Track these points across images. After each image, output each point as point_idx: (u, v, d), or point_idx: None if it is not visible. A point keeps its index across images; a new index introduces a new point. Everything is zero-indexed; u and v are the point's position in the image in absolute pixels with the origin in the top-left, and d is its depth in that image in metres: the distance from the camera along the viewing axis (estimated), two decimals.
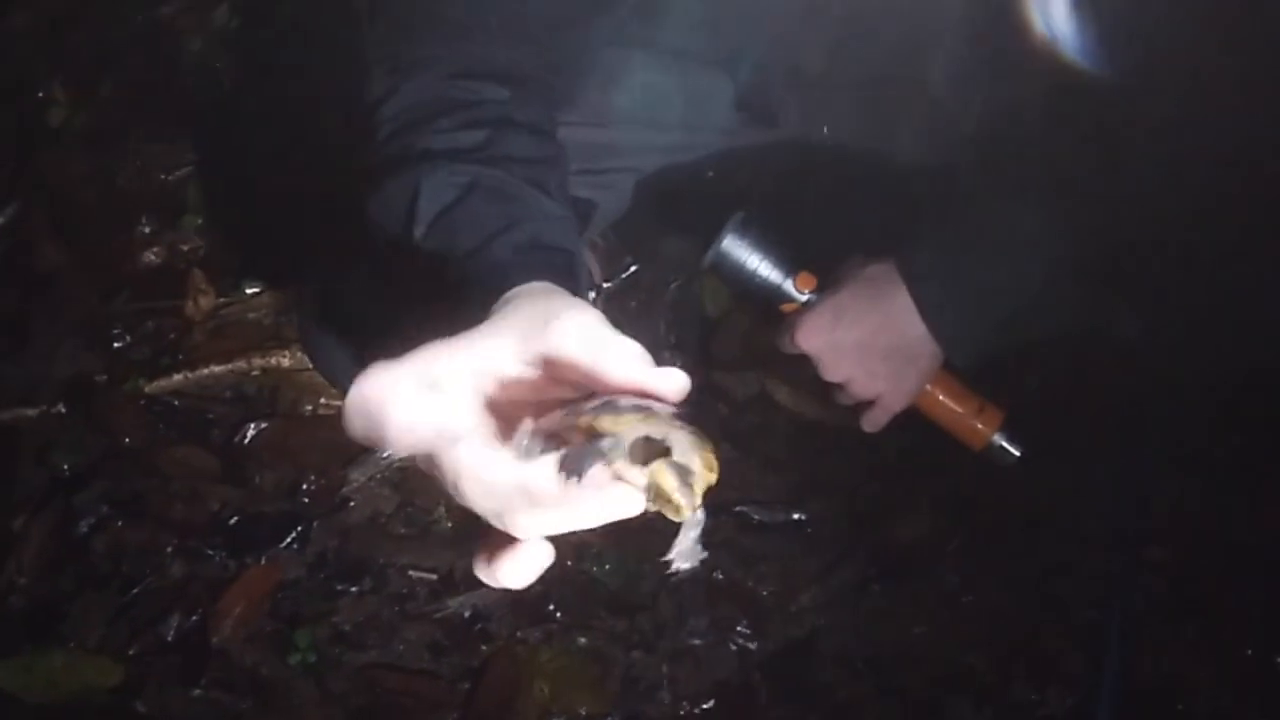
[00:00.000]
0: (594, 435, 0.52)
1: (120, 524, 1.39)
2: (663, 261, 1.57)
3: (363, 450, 1.05)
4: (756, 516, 1.42)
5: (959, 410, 1.24)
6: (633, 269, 1.55)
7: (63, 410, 1.48)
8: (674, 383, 0.55)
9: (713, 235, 1.23)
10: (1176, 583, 1.36)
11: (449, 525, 1.42)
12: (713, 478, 0.53)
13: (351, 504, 1.43)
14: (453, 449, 0.53)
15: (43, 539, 1.38)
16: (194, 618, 1.33)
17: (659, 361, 0.55)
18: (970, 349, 1.16)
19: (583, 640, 1.34)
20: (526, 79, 0.88)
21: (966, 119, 1.10)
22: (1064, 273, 1.09)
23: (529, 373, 0.56)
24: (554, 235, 0.74)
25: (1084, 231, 1.06)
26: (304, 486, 1.43)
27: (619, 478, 0.53)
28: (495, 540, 0.57)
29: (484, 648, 1.33)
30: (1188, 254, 1.04)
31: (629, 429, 0.52)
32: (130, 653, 1.31)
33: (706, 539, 0.55)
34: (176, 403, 1.50)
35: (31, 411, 1.48)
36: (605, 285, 1.46)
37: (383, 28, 0.91)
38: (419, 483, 1.42)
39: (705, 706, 1.30)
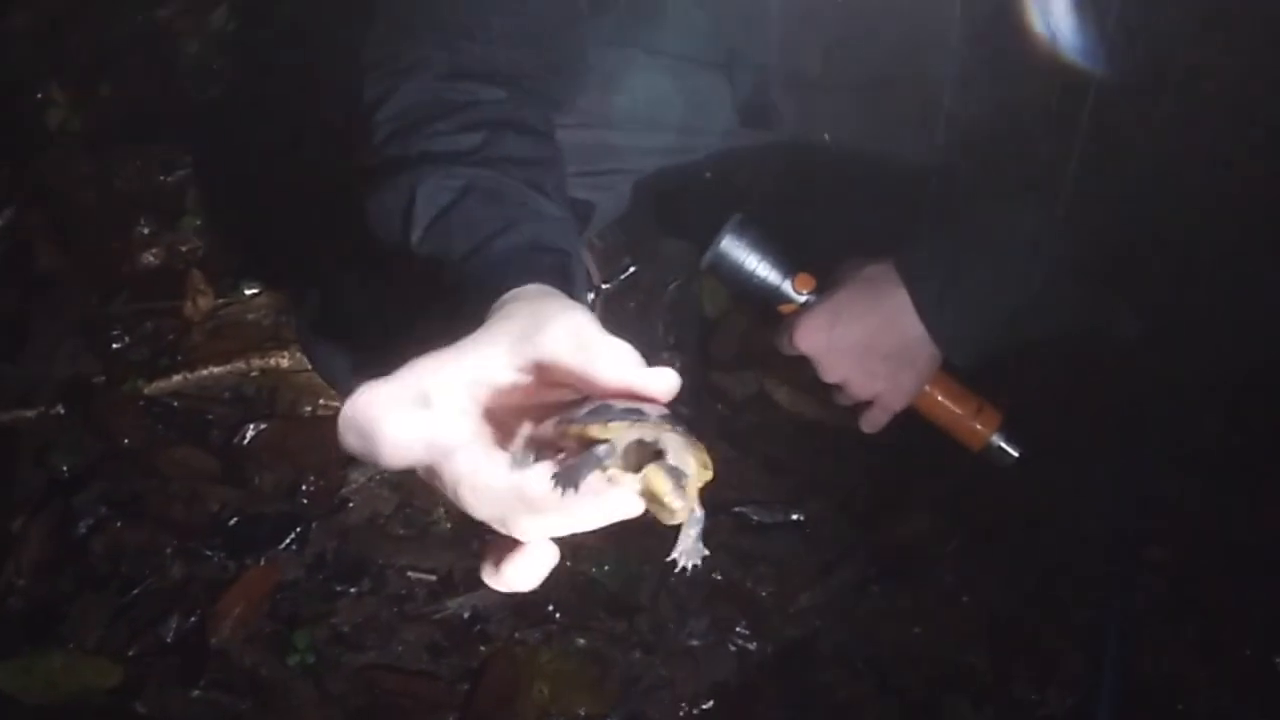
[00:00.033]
0: (587, 442, 0.52)
1: (119, 525, 1.39)
2: (661, 262, 1.57)
3: None
4: (755, 517, 1.42)
5: (958, 411, 1.24)
6: (631, 270, 1.54)
7: (62, 411, 1.48)
8: (665, 382, 0.55)
9: (711, 236, 1.23)
10: (1176, 583, 1.35)
11: (448, 526, 1.42)
12: (708, 475, 0.53)
13: (350, 505, 1.43)
14: (450, 460, 0.53)
15: (42, 540, 1.38)
16: (193, 619, 1.33)
17: (657, 362, 0.56)
18: (969, 349, 1.16)
19: (582, 641, 1.34)
20: (525, 80, 0.88)
21: (966, 119, 1.10)
22: (1064, 273, 1.09)
23: (523, 379, 0.56)
24: (551, 236, 0.74)
25: (1084, 231, 1.06)
26: (303, 487, 1.43)
27: (614, 484, 0.53)
28: (500, 545, 0.57)
29: (483, 649, 1.33)
30: (1188, 254, 1.04)
31: (621, 435, 0.52)
32: (129, 654, 1.31)
33: (706, 538, 0.55)
34: (175, 404, 1.50)
35: (30, 412, 1.48)
36: (604, 286, 1.46)
37: (382, 28, 0.91)
38: (418, 484, 1.41)
39: (705, 707, 1.30)
